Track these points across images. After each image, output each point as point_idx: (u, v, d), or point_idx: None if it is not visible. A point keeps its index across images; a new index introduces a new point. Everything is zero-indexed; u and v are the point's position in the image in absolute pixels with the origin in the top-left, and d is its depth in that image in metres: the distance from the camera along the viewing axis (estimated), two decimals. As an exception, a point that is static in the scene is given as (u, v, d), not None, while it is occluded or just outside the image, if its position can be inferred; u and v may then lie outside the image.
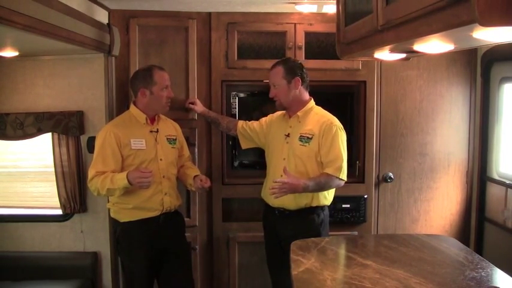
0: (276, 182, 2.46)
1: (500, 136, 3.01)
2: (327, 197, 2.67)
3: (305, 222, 2.63)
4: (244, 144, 2.91)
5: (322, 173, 2.57)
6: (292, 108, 2.66)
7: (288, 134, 2.64)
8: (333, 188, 2.63)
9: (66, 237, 3.10)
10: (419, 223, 3.31)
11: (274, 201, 2.64)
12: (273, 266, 2.80)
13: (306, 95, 2.69)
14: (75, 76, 3.00)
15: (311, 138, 2.57)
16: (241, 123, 2.89)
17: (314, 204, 2.62)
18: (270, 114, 2.85)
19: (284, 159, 2.62)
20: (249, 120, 2.91)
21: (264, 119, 2.87)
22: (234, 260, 3.17)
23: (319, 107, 2.69)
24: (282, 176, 2.51)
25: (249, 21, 3.06)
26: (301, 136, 2.60)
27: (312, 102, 2.69)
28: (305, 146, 2.58)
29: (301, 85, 2.64)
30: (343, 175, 2.57)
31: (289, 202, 2.60)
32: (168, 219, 2.62)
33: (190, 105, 2.98)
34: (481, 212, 3.15)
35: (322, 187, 2.57)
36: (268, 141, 2.77)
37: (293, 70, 2.62)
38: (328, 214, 2.72)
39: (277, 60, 2.73)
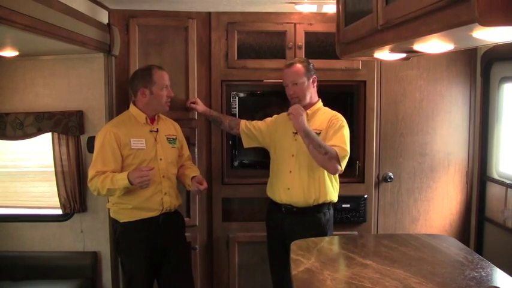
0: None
1: (500, 136, 3.02)
2: (334, 192, 2.68)
3: (312, 221, 2.64)
4: (247, 143, 2.91)
5: None
6: (305, 107, 2.67)
7: (297, 131, 2.66)
8: (326, 166, 2.52)
9: (66, 237, 3.11)
10: (419, 223, 3.31)
11: (282, 198, 2.66)
12: (276, 266, 2.78)
13: (316, 95, 2.74)
14: (75, 76, 3.00)
15: (319, 134, 2.59)
16: (244, 122, 2.90)
17: (321, 201, 2.63)
18: (275, 115, 2.86)
19: (293, 155, 2.65)
20: (251, 120, 2.91)
21: (268, 119, 2.88)
22: (234, 260, 3.17)
23: (326, 108, 2.73)
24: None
25: (249, 21, 3.06)
26: None
27: (320, 103, 2.73)
28: None
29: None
30: (343, 162, 2.53)
31: (298, 198, 2.61)
32: (168, 219, 2.61)
33: (192, 105, 2.98)
34: (481, 212, 3.15)
35: (318, 148, 2.46)
36: (275, 140, 2.77)
37: (311, 69, 2.68)
38: (332, 213, 2.73)
39: (293, 60, 2.73)
